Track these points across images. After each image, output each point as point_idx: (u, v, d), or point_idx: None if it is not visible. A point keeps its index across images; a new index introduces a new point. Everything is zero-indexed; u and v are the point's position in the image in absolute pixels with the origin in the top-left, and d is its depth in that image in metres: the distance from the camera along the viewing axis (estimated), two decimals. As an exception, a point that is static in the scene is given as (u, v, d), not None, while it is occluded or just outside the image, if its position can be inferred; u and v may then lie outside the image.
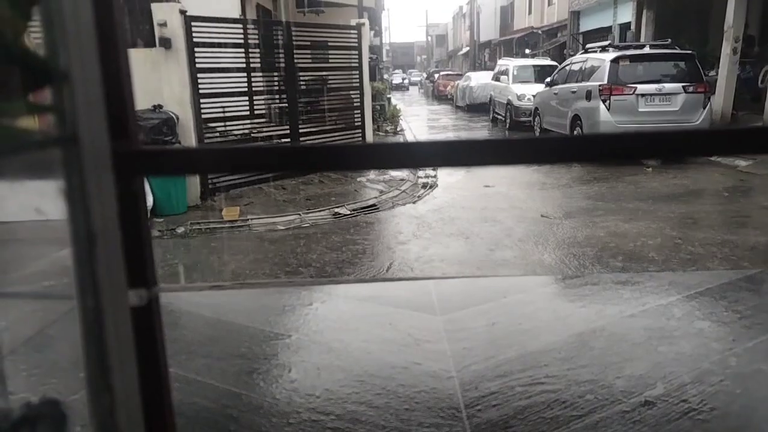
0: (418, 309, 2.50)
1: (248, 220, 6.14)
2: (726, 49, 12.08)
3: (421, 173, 8.86)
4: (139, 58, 6.30)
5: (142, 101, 6.07)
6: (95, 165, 0.77)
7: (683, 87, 9.23)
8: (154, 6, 6.52)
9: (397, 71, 50.25)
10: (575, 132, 9.86)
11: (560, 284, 3.04)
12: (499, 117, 15.28)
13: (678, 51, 9.98)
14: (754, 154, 8.72)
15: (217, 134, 7.12)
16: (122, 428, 0.87)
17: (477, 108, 18.72)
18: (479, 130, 15.46)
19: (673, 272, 3.67)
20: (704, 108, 9.32)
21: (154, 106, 6.24)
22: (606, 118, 9.15)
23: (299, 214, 6.32)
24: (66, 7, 0.72)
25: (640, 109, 9.19)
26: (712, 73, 12.10)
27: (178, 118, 6.39)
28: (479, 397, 1.86)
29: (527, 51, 22.81)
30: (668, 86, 9.24)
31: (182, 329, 2.34)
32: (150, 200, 6.03)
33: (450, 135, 14.74)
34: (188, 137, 6.54)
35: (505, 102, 14.56)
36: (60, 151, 0.67)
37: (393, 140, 11.36)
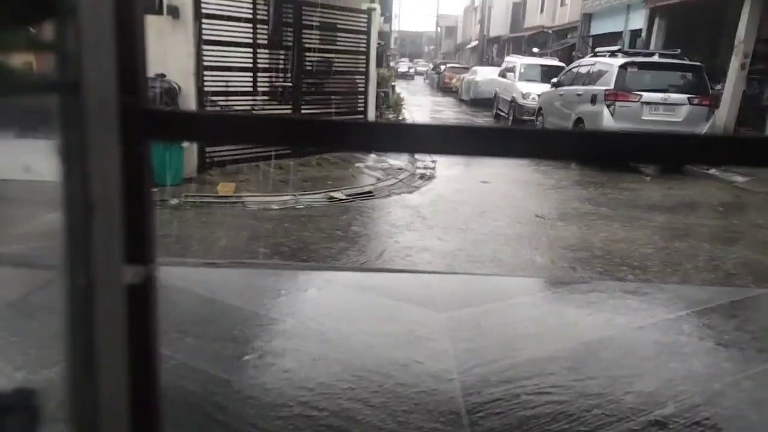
0: (420, 304, 2.40)
1: (243, 196, 6.02)
2: (734, 64, 11.99)
3: (419, 164, 8.74)
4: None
5: (144, 68, 5.91)
6: (99, 120, 0.65)
7: (688, 98, 9.14)
8: (163, -28, 6.33)
9: (403, 60, 49.71)
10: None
11: (566, 288, 2.94)
12: (502, 114, 15.14)
13: (686, 62, 9.87)
14: (753, 167, 8.68)
15: (218, 108, 7.00)
16: (105, 413, 0.77)
17: (481, 103, 18.58)
18: (481, 126, 15.39)
19: (680, 285, 3.60)
20: (708, 121, 9.23)
21: (157, 75, 6.09)
22: (609, 123, 9.03)
23: (294, 195, 6.21)
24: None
25: (643, 117, 9.07)
26: (719, 86, 12.00)
27: (180, 89, 6.25)
28: (482, 402, 1.76)
29: (535, 50, 22.60)
30: (674, 96, 9.15)
31: (173, 306, 2.23)
32: (145, 170, 5.89)
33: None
34: (189, 108, 6.41)
35: (510, 99, 14.44)
36: (59, 98, 0.56)
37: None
